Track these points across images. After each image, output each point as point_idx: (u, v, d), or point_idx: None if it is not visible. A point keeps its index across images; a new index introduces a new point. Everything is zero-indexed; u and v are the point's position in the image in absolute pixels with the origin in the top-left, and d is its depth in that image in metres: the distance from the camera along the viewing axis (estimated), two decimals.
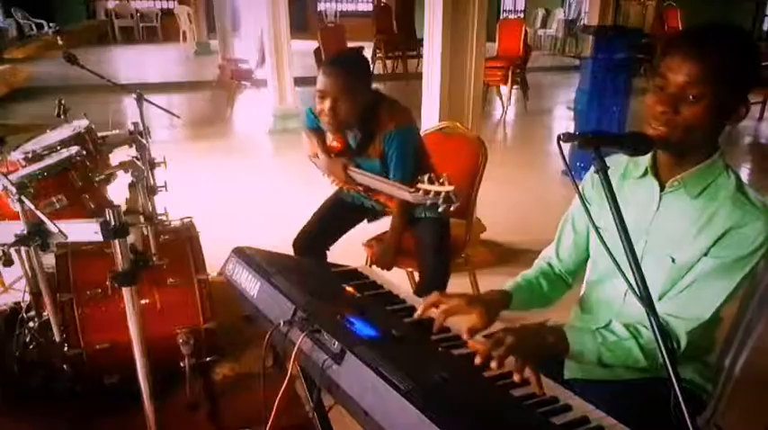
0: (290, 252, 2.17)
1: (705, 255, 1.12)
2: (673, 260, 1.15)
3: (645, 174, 1.21)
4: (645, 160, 1.21)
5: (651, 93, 1.11)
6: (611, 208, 0.89)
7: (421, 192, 1.58)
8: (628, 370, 1.18)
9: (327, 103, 1.84)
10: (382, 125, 1.92)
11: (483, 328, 1.17)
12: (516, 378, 1.00)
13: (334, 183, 2.12)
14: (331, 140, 2.06)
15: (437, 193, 1.54)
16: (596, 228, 0.92)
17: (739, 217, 1.10)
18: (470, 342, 1.11)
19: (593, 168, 1.27)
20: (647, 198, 1.21)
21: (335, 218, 2.26)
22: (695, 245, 1.13)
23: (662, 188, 1.19)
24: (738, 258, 1.10)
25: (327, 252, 2.24)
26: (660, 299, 1.17)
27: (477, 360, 1.03)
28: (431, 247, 2.04)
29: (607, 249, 0.90)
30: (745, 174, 5.09)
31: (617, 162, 1.26)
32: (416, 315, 1.21)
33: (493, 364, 1.01)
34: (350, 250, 2.26)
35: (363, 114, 1.91)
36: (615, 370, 1.19)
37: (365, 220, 2.29)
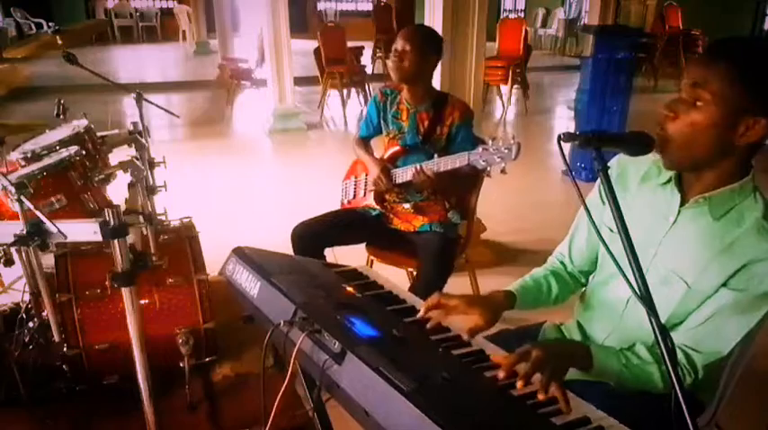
0: (290, 249, 2.17)
1: (724, 285, 1.08)
2: (687, 285, 1.12)
3: (667, 182, 1.17)
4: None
5: None
6: (611, 207, 0.89)
7: (491, 145, 1.85)
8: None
9: (397, 52, 2.09)
10: (453, 109, 2.16)
11: (484, 329, 1.16)
12: (540, 397, 0.96)
13: (371, 193, 2.28)
14: (387, 147, 2.29)
15: (508, 146, 1.82)
16: (598, 232, 0.92)
17: (763, 249, 1.05)
18: (493, 356, 1.07)
19: (613, 160, 1.25)
20: (665, 208, 1.16)
21: (346, 225, 2.27)
22: (712, 271, 1.09)
23: (683, 202, 1.14)
24: (761, 294, 1.06)
25: (324, 252, 2.23)
26: (669, 321, 1.14)
27: (501, 374, 0.98)
28: (433, 257, 2.05)
29: (609, 252, 0.89)
30: None
31: (639, 162, 1.21)
32: (419, 316, 1.19)
33: (519, 383, 0.96)
34: (350, 250, 2.25)
35: (435, 100, 2.18)
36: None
37: (366, 242, 2.34)
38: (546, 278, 1.37)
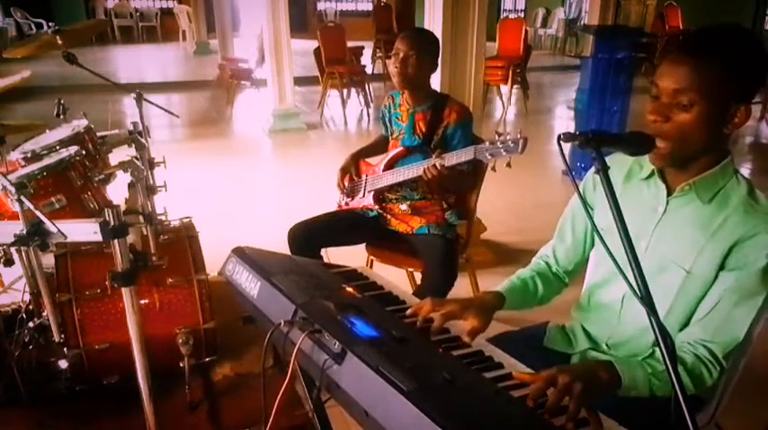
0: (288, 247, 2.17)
1: (722, 268, 1.10)
2: (686, 270, 1.13)
3: (650, 175, 1.19)
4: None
5: (648, 102, 1.09)
6: (611, 207, 0.89)
7: (498, 139, 1.83)
8: None
9: (400, 57, 2.11)
10: (450, 111, 2.17)
11: (482, 331, 1.17)
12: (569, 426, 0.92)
13: (370, 194, 2.28)
14: (390, 148, 2.32)
15: (514, 140, 1.80)
16: (598, 232, 0.91)
17: (751, 226, 1.08)
18: (516, 373, 1.04)
19: (591, 170, 1.27)
20: (652, 201, 1.19)
21: (344, 226, 2.28)
22: (708, 253, 1.11)
23: (669, 192, 1.16)
24: (758, 270, 1.08)
25: (321, 253, 2.23)
26: (672, 309, 1.15)
27: (531, 403, 0.95)
28: (438, 263, 2.05)
29: (609, 252, 0.89)
30: (745, 174, 5.08)
31: (620, 164, 1.24)
32: (419, 323, 1.18)
33: (547, 415, 0.93)
34: (347, 251, 2.25)
35: (434, 101, 2.21)
36: None
37: (365, 243, 2.35)
38: (532, 278, 1.38)
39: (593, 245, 1.38)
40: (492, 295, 1.30)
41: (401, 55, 2.10)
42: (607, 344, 1.29)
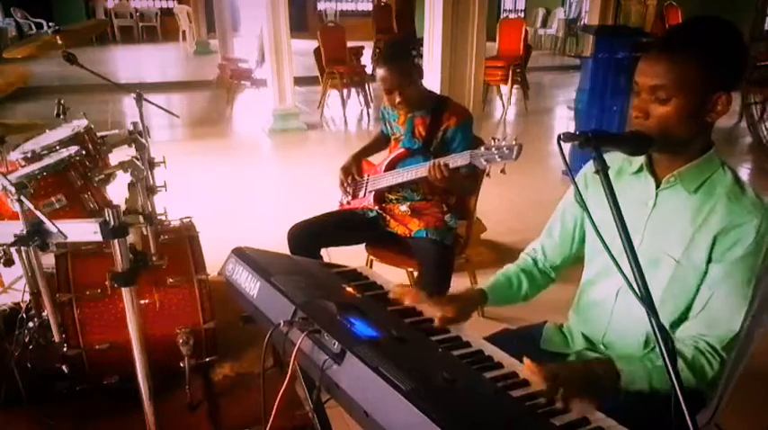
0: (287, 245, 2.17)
1: (710, 259, 1.12)
2: (676, 260, 1.14)
3: (639, 170, 1.21)
4: (640, 157, 1.20)
5: (632, 97, 1.12)
6: (611, 207, 0.89)
7: (493, 145, 1.82)
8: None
9: (396, 96, 2.08)
10: (451, 114, 2.15)
11: (455, 321, 1.22)
12: (575, 414, 0.96)
13: (371, 194, 2.29)
14: (391, 150, 2.32)
15: (509, 146, 1.80)
16: (597, 231, 0.92)
17: (736, 214, 1.09)
18: (525, 369, 1.06)
19: (583, 168, 1.30)
20: (642, 195, 1.21)
21: (343, 226, 2.28)
22: (697, 243, 1.12)
23: (657, 185, 1.18)
24: (742, 257, 1.09)
25: (320, 253, 2.23)
26: (662, 300, 1.16)
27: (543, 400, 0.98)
28: (431, 269, 2.06)
29: (607, 249, 0.89)
30: (745, 174, 5.08)
31: (611, 161, 1.25)
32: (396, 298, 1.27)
33: (559, 404, 0.96)
34: (347, 250, 2.26)
35: (433, 104, 2.18)
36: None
37: (364, 243, 2.36)
38: (517, 275, 1.42)
39: (581, 241, 1.40)
40: (475, 292, 1.36)
41: (396, 95, 2.06)
42: (603, 344, 1.30)
